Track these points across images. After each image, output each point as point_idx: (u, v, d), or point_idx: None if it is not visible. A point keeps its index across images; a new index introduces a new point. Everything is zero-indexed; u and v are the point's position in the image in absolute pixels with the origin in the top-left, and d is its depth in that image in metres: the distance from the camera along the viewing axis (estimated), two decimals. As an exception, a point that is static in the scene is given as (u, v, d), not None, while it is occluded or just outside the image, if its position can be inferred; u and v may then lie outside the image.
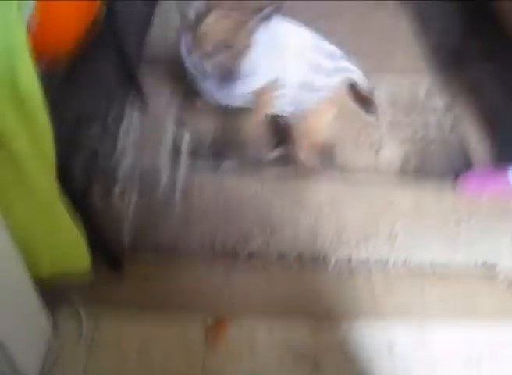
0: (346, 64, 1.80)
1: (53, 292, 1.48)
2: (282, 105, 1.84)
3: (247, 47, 1.70)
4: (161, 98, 2.14)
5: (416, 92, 2.29)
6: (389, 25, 2.54)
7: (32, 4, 1.17)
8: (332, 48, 1.81)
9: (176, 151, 1.97)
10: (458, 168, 2.00)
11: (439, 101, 2.26)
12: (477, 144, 2.11)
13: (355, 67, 1.81)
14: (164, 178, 1.89)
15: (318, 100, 1.80)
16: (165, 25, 2.46)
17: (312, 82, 1.77)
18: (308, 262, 1.72)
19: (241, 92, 1.78)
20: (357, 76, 1.81)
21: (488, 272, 1.75)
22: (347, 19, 2.54)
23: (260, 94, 1.79)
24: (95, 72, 2.04)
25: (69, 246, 1.36)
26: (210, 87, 1.83)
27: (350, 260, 1.74)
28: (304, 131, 1.88)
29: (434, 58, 2.46)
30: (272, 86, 1.77)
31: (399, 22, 2.61)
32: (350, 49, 1.80)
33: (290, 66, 1.76)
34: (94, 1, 1.46)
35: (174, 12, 2.49)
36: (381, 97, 2.20)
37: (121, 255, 1.66)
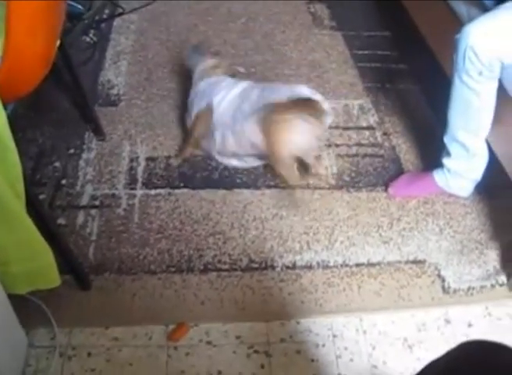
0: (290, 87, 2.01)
1: (26, 308, 1.63)
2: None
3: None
4: (116, 132, 2.34)
5: (350, 112, 2.51)
6: (322, 54, 2.77)
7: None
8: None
9: (132, 178, 2.15)
10: (390, 177, 2.22)
11: (370, 119, 2.48)
12: (406, 154, 2.33)
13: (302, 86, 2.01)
14: (123, 203, 2.06)
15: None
16: (114, 68, 2.68)
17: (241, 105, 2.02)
18: (257, 269, 1.89)
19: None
20: (306, 91, 1.99)
21: (418, 268, 1.94)
22: (278, 50, 2.77)
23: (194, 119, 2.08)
24: (54, 109, 2.23)
25: (39, 263, 1.51)
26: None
27: (294, 265, 1.91)
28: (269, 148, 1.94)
29: (366, 81, 2.69)
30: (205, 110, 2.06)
31: (332, 49, 2.84)
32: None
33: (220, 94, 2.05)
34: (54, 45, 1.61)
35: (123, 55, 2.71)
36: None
37: (87, 275, 1.82)
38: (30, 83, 1.45)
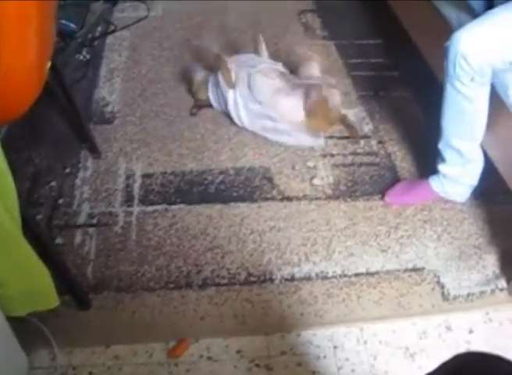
0: None
1: (26, 329, 1.63)
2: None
3: None
4: (112, 150, 2.35)
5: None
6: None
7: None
8: None
9: (128, 196, 2.16)
10: (386, 185, 2.22)
11: (365, 127, 2.48)
12: (402, 161, 2.34)
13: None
14: (120, 221, 2.07)
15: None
16: (108, 86, 2.69)
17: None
18: (256, 282, 1.89)
19: None
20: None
21: (417, 275, 1.93)
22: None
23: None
24: (49, 129, 2.24)
25: (37, 285, 1.51)
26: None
27: (293, 277, 1.91)
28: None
29: (360, 89, 2.69)
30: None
31: (325, 59, 2.84)
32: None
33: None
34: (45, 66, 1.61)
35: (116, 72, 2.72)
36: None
37: (86, 294, 1.82)
38: (22, 106, 1.45)
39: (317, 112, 2.30)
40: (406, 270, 1.95)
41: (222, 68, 2.40)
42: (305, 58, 2.58)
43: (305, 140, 2.36)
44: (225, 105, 2.41)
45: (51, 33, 1.62)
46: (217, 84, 2.43)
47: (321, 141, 2.38)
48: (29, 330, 1.66)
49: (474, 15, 1.92)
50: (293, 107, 2.31)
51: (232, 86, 2.38)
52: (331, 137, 2.43)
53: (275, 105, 2.31)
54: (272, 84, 2.35)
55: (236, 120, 2.41)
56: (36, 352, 1.69)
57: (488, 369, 0.83)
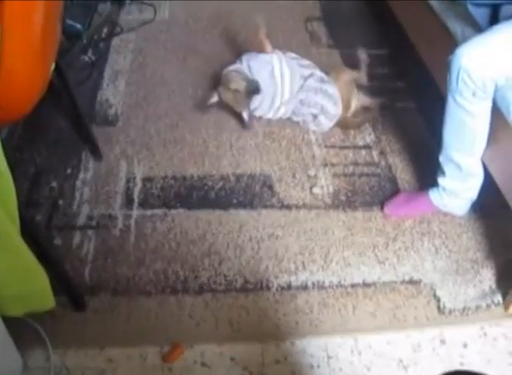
0: None
1: (21, 329, 1.64)
2: None
3: None
4: (113, 152, 2.35)
5: (347, 131, 2.52)
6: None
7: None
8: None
9: (128, 199, 2.16)
10: (386, 196, 2.23)
11: (367, 137, 2.49)
12: (402, 172, 2.34)
13: None
14: (119, 224, 2.07)
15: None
16: (112, 88, 2.70)
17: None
18: (252, 290, 1.90)
19: None
20: None
21: (414, 288, 1.94)
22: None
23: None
24: (52, 129, 2.24)
25: (33, 287, 1.52)
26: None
27: (289, 285, 1.92)
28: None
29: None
30: None
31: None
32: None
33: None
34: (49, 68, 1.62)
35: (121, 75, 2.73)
36: (315, 138, 2.45)
37: (82, 296, 1.82)
38: (25, 107, 1.46)
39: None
40: (402, 282, 1.95)
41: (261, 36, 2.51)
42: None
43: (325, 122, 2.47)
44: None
45: (56, 35, 1.62)
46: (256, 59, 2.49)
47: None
48: (24, 330, 1.67)
49: (479, 29, 1.92)
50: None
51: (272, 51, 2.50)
52: (332, 147, 2.43)
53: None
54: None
55: (279, 87, 2.44)
56: (30, 352, 1.69)
57: None
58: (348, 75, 2.57)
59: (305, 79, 2.45)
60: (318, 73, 2.51)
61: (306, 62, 2.57)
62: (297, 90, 2.44)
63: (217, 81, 2.54)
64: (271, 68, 2.43)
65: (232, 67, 2.47)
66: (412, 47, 2.60)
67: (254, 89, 2.35)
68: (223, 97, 2.45)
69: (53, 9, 1.51)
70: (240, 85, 2.39)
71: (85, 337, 1.75)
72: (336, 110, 2.45)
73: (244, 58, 2.49)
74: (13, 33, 1.32)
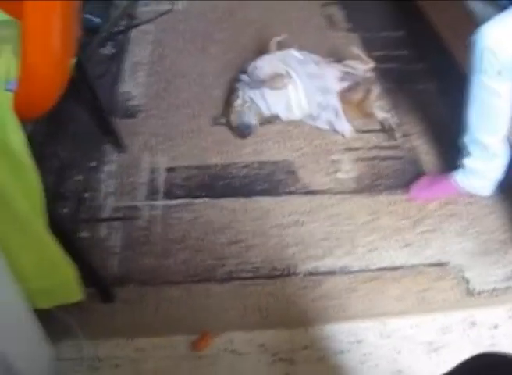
0: None
1: (52, 321, 1.66)
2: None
3: None
4: (136, 144, 2.37)
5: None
6: (339, 56, 2.74)
7: (15, 73, 1.31)
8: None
9: (153, 189, 2.18)
10: (410, 179, 2.21)
11: (390, 120, 2.46)
12: (426, 155, 2.32)
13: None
14: (145, 215, 2.08)
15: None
16: (132, 80, 2.71)
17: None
18: (280, 276, 1.90)
19: None
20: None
21: (441, 270, 1.93)
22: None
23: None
24: (74, 124, 2.26)
25: (61, 279, 1.53)
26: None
27: (316, 271, 1.91)
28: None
29: (384, 82, 2.67)
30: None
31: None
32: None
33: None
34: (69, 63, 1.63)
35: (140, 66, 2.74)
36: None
37: (110, 287, 1.84)
38: (47, 102, 1.48)
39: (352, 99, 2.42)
40: (430, 265, 1.94)
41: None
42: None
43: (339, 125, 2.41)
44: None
45: (75, 30, 1.64)
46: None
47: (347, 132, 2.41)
48: (55, 323, 1.68)
49: (501, 8, 1.89)
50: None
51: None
52: (355, 131, 2.41)
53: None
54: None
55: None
56: (63, 343, 1.71)
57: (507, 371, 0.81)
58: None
59: (323, 108, 2.42)
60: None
61: (321, 62, 2.55)
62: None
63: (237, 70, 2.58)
64: (286, 100, 2.41)
65: (248, 94, 2.44)
66: (432, 28, 2.57)
67: (240, 134, 2.38)
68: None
69: (71, 6, 1.52)
70: (234, 120, 2.40)
71: (115, 327, 1.77)
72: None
73: (258, 91, 2.43)
74: (33, 30, 1.33)
